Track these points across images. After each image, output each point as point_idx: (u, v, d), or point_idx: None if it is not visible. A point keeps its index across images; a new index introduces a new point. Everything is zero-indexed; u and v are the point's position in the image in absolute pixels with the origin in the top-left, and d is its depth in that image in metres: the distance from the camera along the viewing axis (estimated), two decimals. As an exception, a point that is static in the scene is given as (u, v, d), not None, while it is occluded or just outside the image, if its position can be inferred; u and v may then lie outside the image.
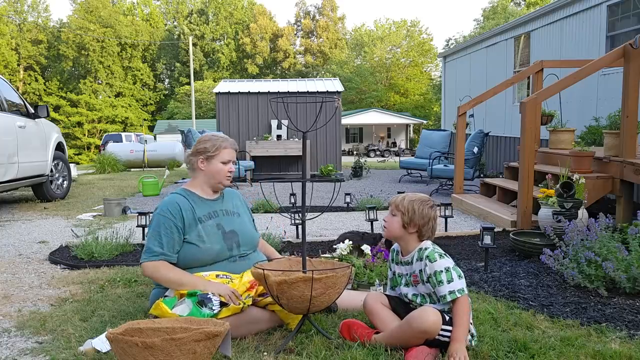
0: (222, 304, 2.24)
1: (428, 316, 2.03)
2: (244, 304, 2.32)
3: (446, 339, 2.07)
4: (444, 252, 2.20)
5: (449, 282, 2.09)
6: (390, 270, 2.41)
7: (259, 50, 51.70)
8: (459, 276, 2.12)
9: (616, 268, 2.86)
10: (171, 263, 2.43)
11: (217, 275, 2.43)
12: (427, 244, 2.23)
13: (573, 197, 4.04)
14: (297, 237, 4.60)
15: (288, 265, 2.45)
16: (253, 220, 2.86)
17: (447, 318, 2.10)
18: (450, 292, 2.08)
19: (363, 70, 46.41)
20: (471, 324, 2.20)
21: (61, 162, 7.84)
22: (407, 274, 2.29)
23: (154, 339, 1.82)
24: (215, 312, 2.22)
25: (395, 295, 2.36)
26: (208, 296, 2.23)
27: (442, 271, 2.11)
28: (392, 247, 2.41)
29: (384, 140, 37.48)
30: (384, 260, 3.19)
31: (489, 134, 8.74)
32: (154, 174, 9.71)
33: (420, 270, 2.19)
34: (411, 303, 2.27)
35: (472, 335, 2.17)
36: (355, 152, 31.91)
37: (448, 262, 2.14)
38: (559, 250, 3.20)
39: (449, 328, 2.07)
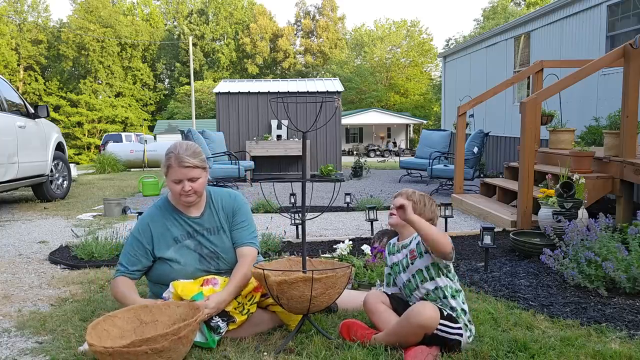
0: (228, 322, 2.24)
1: (426, 311, 2.06)
2: (249, 311, 2.32)
3: (445, 335, 2.09)
4: None
5: None
6: (387, 266, 2.46)
7: (259, 50, 51.70)
8: None
9: (616, 268, 2.86)
10: (132, 279, 2.43)
11: (222, 274, 2.42)
12: None
13: (573, 197, 4.04)
14: (297, 237, 4.60)
15: (288, 265, 2.45)
16: (249, 229, 2.52)
17: (445, 313, 2.13)
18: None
19: (363, 70, 46.39)
20: (471, 323, 2.23)
21: (61, 162, 7.84)
22: (404, 257, 2.34)
23: (164, 343, 1.88)
24: (223, 333, 2.23)
25: (394, 291, 2.41)
26: (213, 321, 2.21)
27: None
28: (389, 241, 2.48)
29: (384, 140, 37.48)
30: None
31: (489, 134, 8.74)
32: (154, 174, 9.71)
33: (417, 244, 2.27)
34: (411, 295, 2.29)
35: (471, 331, 2.20)
36: (355, 152, 31.91)
37: None
38: (559, 250, 3.20)
39: (448, 323, 2.10)
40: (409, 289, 2.29)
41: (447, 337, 2.10)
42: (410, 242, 2.33)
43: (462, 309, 2.21)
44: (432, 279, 2.22)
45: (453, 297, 2.20)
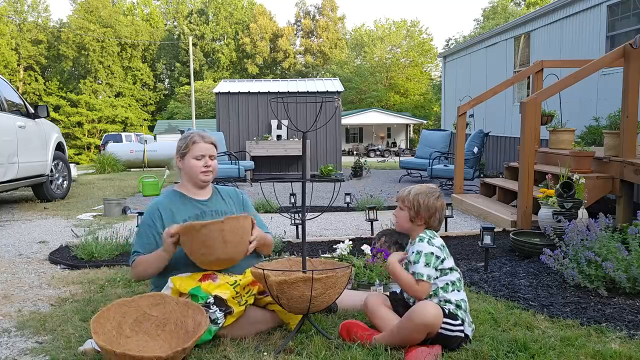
0: (226, 314, 2.23)
1: (428, 310, 2.07)
2: (246, 302, 2.32)
3: (447, 332, 2.10)
4: (434, 237, 2.24)
5: (414, 263, 2.20)
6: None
7: (259, 50, 51.69)
8: (426, 264, 2.17)
9: (616, 268, 2.86)
10: None
11: (221, 271, 2.42)
12: (427, 232, 2.27)
13: (573, 197, 4.04)
14: (297, 237, 4.60)
15: (288, 265, 2.45)
16: (261, 222, 2.67)
17: (447, 311, 2.13)
18: (413, 273, 2.20)
19: (363, 70, 46.37)
20: (472, 322, 2.24)
21: (61, 162, 7.84)
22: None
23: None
24: (220, 325, 2.21)
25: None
26: (210, 310, 2.21)
27: (416, 252, 2.21)
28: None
29: (384, 140, 37.48)
30: (384, 261, 3.19)
31: (489, 134, 8.74)
32: (154, 174, 9.72)
33: (411, 253, 2.28)
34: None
35: (470, 324, 2.21)
36: (355, 152, 31.91)
37: (426, 247, 2.19)
38: (559, 250, 3.20)
39: (449, 321, 2.11)
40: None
41: (449, 335, 2.10)
42: (412, 246, 2.31)
43: (455, 301, 2.18)
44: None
45: (445, 290, 2.19)
